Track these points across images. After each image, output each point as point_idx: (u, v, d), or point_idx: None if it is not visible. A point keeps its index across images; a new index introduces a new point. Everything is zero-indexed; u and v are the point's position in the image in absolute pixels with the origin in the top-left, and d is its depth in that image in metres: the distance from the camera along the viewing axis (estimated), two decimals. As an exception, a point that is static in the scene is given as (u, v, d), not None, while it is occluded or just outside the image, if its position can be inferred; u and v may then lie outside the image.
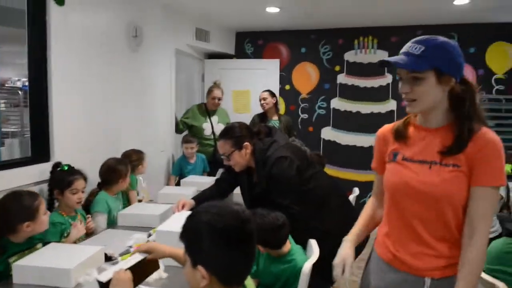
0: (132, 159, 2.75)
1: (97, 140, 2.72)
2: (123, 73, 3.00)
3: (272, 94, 3.97)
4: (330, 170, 4.70)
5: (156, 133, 3.57)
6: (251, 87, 4.70)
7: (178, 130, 3.93)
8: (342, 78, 4.61)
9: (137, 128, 3.21)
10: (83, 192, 2.05)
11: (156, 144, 3.57)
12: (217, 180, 2.35)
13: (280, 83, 4.73)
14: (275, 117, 3.99)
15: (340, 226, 1.60)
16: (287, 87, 4.76)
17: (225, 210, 0.95)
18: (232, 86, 4.75)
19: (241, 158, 1.99)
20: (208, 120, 3.90)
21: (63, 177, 2.00)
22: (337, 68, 4.62)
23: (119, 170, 2.41)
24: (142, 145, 3.09)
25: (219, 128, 3.86)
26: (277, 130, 2.16)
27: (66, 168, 2.06)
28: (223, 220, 0.93)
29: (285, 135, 2.26)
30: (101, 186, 2.41)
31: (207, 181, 3.06)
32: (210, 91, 3.97)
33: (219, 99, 3.93)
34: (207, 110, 3.93)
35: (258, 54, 4.80)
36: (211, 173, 3.82)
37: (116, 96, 2.92)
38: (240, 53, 4.85)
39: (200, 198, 2.22)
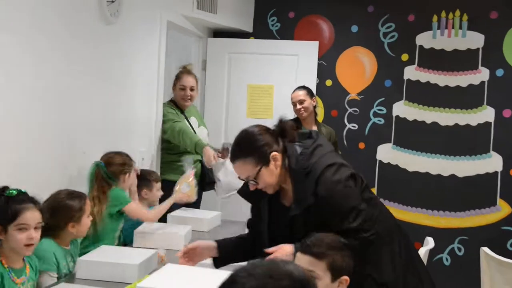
0: (115, 162, 2.72)
1: (48, 151, 2.60)
2: (92, 54, 2.89)
3: (311, 94, 3.83)
4: (389, 209, 4.35)
5: (132, 137, 3.37)
6: (276, 81, 4.46)
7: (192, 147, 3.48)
8: (412, 72, 4.36)
9: (106, 130, 3.03)
10: (36, 229, 1.94)
11: (133, 151, 3.28)
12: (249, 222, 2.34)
13: (318, 76, 4.49)
14: (314, 127, 3.81)
15: (402, 281, 1.88)
16: (329, 82, 4.50)
17: (277, 271, 0.97)
18: (247, 79, 4.52)
19: (272, 176, 1.97)
20: (187, 123, 3.67)
21: (6, 207, 1.92)
22: (405, 57, 4.36)
23: (69, 209, 2.20)
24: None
25: (202, 134, 3.67)
26: (318, 134, 2.10)
27: (14, 193, 1.96)
28: (277, 285, 0.95)
29: (330, 144, 2.16)
30: (45, 231, 2.16)
31: (210, 217, 3.11)
32: (177, 77, 3.67)
33: (192, 89, 3.64)
34: (180, 109, 3.69)
35: (287, 32, 4.58)
36: (197, 201, 3.56)
37: (80, 86, 2.80)
38: (260, 31, 4.64)
39: (227, 244, 2.23)
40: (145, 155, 3.50)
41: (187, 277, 1.71)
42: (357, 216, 1.86)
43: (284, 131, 2.01)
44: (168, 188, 3.57)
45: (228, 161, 3.73)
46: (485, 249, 2.87)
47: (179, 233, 2.67)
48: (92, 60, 2.88)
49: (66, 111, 2.70)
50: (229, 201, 4.37)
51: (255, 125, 2.07)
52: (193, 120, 3.77)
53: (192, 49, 4.63)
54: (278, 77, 4.46)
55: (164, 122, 3.62)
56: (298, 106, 3.72)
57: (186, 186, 2.98)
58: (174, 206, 3.55)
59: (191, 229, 2.87)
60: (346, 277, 1.63)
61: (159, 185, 3.06)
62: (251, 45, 4.57)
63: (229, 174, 3.69)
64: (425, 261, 2.73)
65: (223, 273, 1.76)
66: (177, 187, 2.91)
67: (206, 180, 3.68)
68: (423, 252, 2.70)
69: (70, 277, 2.11)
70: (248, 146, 1.97)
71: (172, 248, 2.59)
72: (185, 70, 3.74)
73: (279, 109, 3.98)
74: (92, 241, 2.56)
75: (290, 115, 3.87)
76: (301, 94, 3.76)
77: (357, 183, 1.94)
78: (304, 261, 1.63)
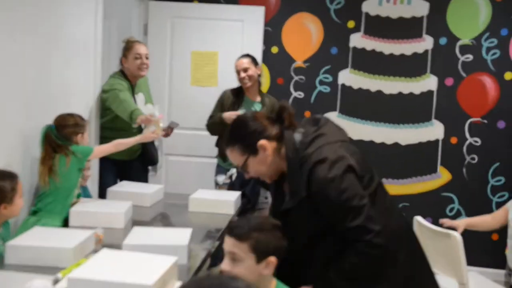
0: (66, 124, 2.69)
1: None
2: (10, 20, 2.55)
3: (256, 62, 3.73)
4: None
5: (67, 109, 3.06)
6: (221, 48, 4.34)
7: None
8: (357, 40, 4.33)
9: (36, 103, 2.78)
10: None
11: None
12: None
13: (264, 43, 4.39)
14: (257, 98, 3.73)
15: None
16: (274, 49, 4.41)
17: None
18: (191, 45, 4.37)
19: (261, 165, 1.86)
20: (133, 98, 3.47)
21: None
22: (351, 24, 4.33)
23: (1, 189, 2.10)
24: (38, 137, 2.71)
25: (147, 111, 3.38)
26: (328, 121, 1.93)
27: None
28: None
29: (342, 131, 1.98)
30: None
31: (152, 191, 3.07)
32: (128, 47, 3.47)
33: (147, 57, 3.49)
34: (129, 81, 3.50)
35: None
36: (143, 177, 3.66)
37: (1, 57, 2.51)
38: None
39: None
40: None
41: (124, 263, 1.62)
42: (358, 213, 1.67)
43: (281, 117, 1.87)
44: (104, 165, 3.44)
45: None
46: (418, 218, 2.94)
47: (119, 211, 2.55)
48: (12, 30, 2.59)
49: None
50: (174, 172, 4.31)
51: (257, 112, 2.04)
52: (140, 97, 3.58)
53: (132, 13, 4.42)
54: (223, 44, 4.34)
55: (106, 91, 3.42)
56: (242, 74, 3.63)
57: (153, 127, 3.10)
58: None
59: (131, 205, 2.76)
60: (273, 258, 1.58)
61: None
62: (194, 9, 4.40)
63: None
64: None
65: (163, 259, 1.69)
66: (145, 129, 3.13)
67: (146, 157, 3.56)
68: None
69: (-1, 262, 1.98)
70: (235, 133, 1.89)
71: (111, 227, 2.50)
72: (134, 40, 3.56)
73: (224, 77, 3.97)
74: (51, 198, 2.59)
75: (235, 83, 3.84)
76: (245, 62, 3.65)
77: (360, 175, 1.75)
78: (228, 243, 1.60)
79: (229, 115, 3.47)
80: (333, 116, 4.40)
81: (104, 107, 3.47)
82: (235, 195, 3.09)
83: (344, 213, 1.68)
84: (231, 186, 3.44)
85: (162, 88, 4.38)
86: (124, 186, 3.15)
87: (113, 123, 3.46)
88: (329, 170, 1.69)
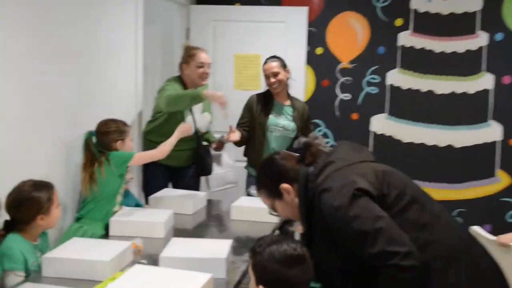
0: (106, 130, 2.66)
1: (24, 139, 2.38)
2: (54, 28, 2.58)
3: (285, 65, 3.47)
4: None
5: (110, 115, 3.08)
6: (263, 50, 4.15)
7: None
8: (406, 38, 4.17)
9: (80, 110, 2.80)
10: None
11: None
12: None
13: (308, 44, 4.28)
14: (287, 102, 3.53)
15: None
16: (319, 50, 4.29)
17: None
18: (233, 48, 4.32)
19: (288, 208, 1.82)
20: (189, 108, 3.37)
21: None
22: (399, 22, 4.16)
23: (36, 201, 2.06)
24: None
25: (204, 121, 3.43)
26: (340, 146, 1.87)
27: None
28: None
29: (358, 151, 1.87)
30: (10, 226, 2.10)
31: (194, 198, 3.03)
32: (191, 55, 3.35)
33: (209, 66, 3.39)
34: (185, 87, 3.39)
35: None
36: (196, 185, 3.55)
37: (43, 65, 2.51)
38: None
39: None
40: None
41: (156, 281, 1.54)
42: (374, 238, 1.52)
43: (304, 156, 1.85)
44: (152, 171, 3.37)
45: (225, 154, 3.54)
46: (474, 228, 2.74)
47: (159, 221, 2.50)
48: (56, 38, 2.61)
49: (37, 93, 2.46)
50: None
51: (281, 151, 1.95)
52: (197, 105, 3.40)
53: (174, 17, 4.40)
54: (265, 46, 4.22)
55: (158, 93, 3.31)
56: (272, 80, 3.38)
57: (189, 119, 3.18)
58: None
59: (172, 214, 2.71)
60: None
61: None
62: (236, 12, 4.34)
63: (224, 167, 3.50)
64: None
65: (197, 276, 1.61)
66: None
67: (200, 167, 3.43)
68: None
69: (36, 275, 1.95)
70: (260, 177, 1.88)
71: (151, 237, 2.45)
72: (196, 47, 3.46)
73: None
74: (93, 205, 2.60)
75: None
76: (275, 65, 3.40)
77: (380, 194, 1.62)
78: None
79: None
80: (382, 118, 4.25)
81: (156, 111, 3.38)
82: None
83: (359, 241, 1.55)
84: None
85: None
86: (167, 193, 3.10)
87: (161, 127, 3.34)
88: (335, 198, 1.60)
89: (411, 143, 4.19)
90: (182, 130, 2.93)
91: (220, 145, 3.49)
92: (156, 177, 3.39)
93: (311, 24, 4.27)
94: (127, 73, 3.33)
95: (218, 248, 2.08)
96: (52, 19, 2.54)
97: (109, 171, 2.60)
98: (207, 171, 3.42)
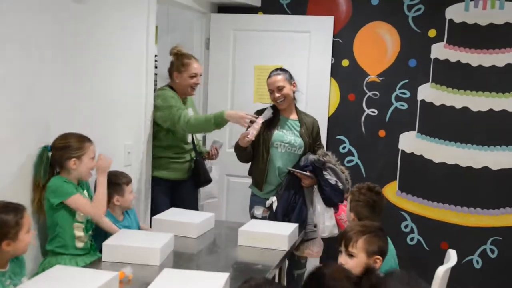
0: (67, 144, 2.36)
1: (19, 147, 2.30)
2: (60, 38, 2.50)
3: (291, 77, 3.30)
4: (412, 205, 4.00)
5: (117, 129, 3.02)
6: (286, 62, 3.95)
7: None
8: (440, 50, 3.93)
9: (84, 122, 2.68)
10: None
11: (117, 145, 3.02)
12: None
13: (334, 55, 4.10)
14: (294, 116, 3.35)
15: None
16: (345, 63, 4.10)
17: None
18: (254, 59, 4.15)
19: None
20: None
21: None
22: (432, 33, 3.93)
23: (2, 224, 1.90)
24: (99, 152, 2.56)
25: None
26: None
27: None
28: None
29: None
30: None
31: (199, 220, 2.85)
32: (185, 64, 3.33)
33: (201, 76, 3.45)
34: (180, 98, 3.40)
35: (298, 7, 4.20)
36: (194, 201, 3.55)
37: (51, 73, 2.45)
38: (269, 5, 4.25)
39: None
40: (132, 148, 3.15)
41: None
42: None
43: (362, 282, 1.67)
44: (157, 186, 3.29)
45: (214, 168, 3.55)
46: None
47: (155, 246, 2.31)
48: (66, 43, 2.53)
49: (37, 101, 2.37)
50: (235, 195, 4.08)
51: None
52: (190, 112, 3.43)
53: (194, 26, 4.28)
54: (288, 57, 4.05)
55: (161, 108, 3.27)
56: (277, 94, 3.20)
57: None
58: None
59: (173, 238, 2.53)
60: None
61: (130, 187, 2.71)
62: (258, 21, 4.18)
63: (213, 181, 3.54)
64: (445, 278, 2.34)
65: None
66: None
67: (201, 178, 3.40)
68: (442, 271, 2.29)
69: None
70: None
71: (147, 264, 2.28)
72: (190, 56, 3.43)
73: (299, 91, 3.60)
74: (50, 238, 2.34)
75: (302, 100, 3.59)
76: (279, 79, 3.22)
77: None
78: None
79: (240, 140, 3.12)
80: (412, 136, 4.01)
81: (155, 123, 3.35)
82: (290, 228, 2.77)
83: None
84: (273, 217, 3.12)
85: (224, 104, 4.15)
86: (171, 214, 2.92)
87: (161, 141, 3.35)
88: None
89: (443, 164, 3.94)
90: (101, 168, 2.47)
91: (215, 151, 3.49)
92: (157, 191, 3.34)
93: (337, 34, 4.09)
94: (135, 87, 3.19)
95: (212, 284, 1.89)
96: (50, 33, 2.43)
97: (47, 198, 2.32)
98: (204, 181, 3.43)
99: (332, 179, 3.17)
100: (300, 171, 3.14)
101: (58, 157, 2.32)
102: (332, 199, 3.18)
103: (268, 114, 3.19)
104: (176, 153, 3.35)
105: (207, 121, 3.12)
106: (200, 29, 4.25)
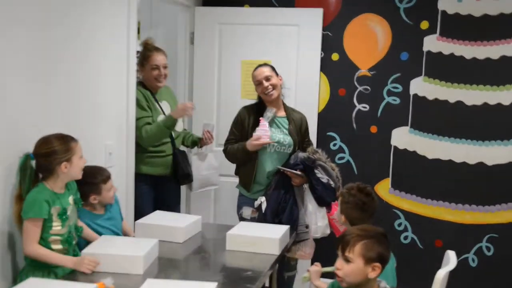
0: (53, 148, 2.18)
1: None
2: (36, 31, 2.35)
3: (276, 72, 3.24)
4: (405, 202, 3.92)
5: (96, 129, 2.89)
6: (274, 56, 3.95)
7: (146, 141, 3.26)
8: (432, 43, 3.84)
9: (62, 121, 2.55)
10: None
11: (97, 145, 2.88)
12: None
13: (323, 49, 3.99)
14: (282, 113, 3.28)
15: None
16: (335, 56, 3.99)
17: None
18: (241, 54, 4.03)
19: None
20: (159, 108, 3.35)
21: None
22: (425, 24, 3.83)
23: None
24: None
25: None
26: None
27: None
28: None
29: None
30: None
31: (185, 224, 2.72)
32: (146, 56, 3.32)
33: (165, 66, 3.36)
34: (150, 91, 3.36)
35: None
36: (175, 198, 3.51)
37: (26, 69, 2.32)
38: None
39: None
40: (113, 149, 3.00)
41: None
42: None
43: None
44: (139, 182, 3.19)
45: (211, 154, 3.45)
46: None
47: (137, 254, 2.18)
48: (38, 41, 2.38)
49: (9, 104, 2.21)
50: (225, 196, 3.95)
51: None
52: (164, 104, 3.39)
53: (178, 20, 4.15)
54: (276, 52, 3.95)
55: (137, 113, 3.22)
56: (266, 83, 3.11)
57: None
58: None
59: (157, 244, 2.40)
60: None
61: (109, 184, 2.57)
62: (245, 14, 4.05)
63: (208, 168, 3.43)
64: (444, 282, 2.24)
65: None
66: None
67: (179, 172, 3.31)
68: (442, 275, 2.19)
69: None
70: None
71: (129, 273, 2.15)
72: (152, 47, 3.38)
73: (285, 87, 3.50)
74: None
75: (291, 96, 3.54)
76: (266, 70, 3.17)
77: None
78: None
79: (255, 143, 3.06)
80: (404, 131, 3.91)
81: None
82: (281, 230, 2.65)
83: None
84: (262, 218, 3.01)
85: (210, 101, 4.06)
86: (155, 218, 2.79)
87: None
88: None
89: (437, 160, 3.85)
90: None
91: (208, 134, 3.40)
92: (139, 187, 3.24)
93: (326, 27, 3.97)
94: (116, 84, 3.05)
95: (198, 295, 1.76)
96: (25, 26, 2.28)
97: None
98: (186, 178, 3.36)
99: (324, 178, 3.09)
100: (290, 170, 3.03)
101: (45, 164, 2.15)
102: (325, 198, 3.09)
103: (270, 114, 3.13)
104: (153, 146, 3.26)
105: (158, 127, 3.17)
106: (184, 23, 4.11)
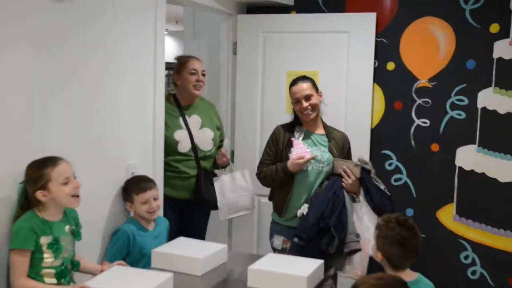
0: (27, 177, 2.08)
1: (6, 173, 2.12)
2: (53, 42, 2.28)
3: (316, 86, 3.04)
4: (472, 232, 3.58)
5: (119, 147, 2.80)
6: (322, 66, 3.81)
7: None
8: (504, 49, 3.53)
9: (80, 140, 2.48)
10: None
11: (119, 165, 2.79)
12: None
13: (377, 58, 3.79)
14: (320, 130, 3.07)
15: None
16: (390, 66, 3.76)
17: None
18: (286, 64, 3.88)
19: None
20: (182, 122, 3.20)
21: None
22: (495, 28, 3.53)
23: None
24: (92, 173, 2.51)
25: (204, 136, 3.23)
26: None
27: None
28: None
29: None
30: None
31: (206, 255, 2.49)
32: (182, 62, 3.26)
33: (204, 73, 3.27)
34: (179, 104, 3.26)
35: (336, 4, 3.93)
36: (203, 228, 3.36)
37: (46, 86, 2.26)
38: (303, 3, 4.00)
39: None
40: (136, 168, 2.86)
41: None
42: None
43: None
44: (165, 205, 3.06)
45: (238, 173, 3.27)
46: None
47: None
48: (58, 47, 2.33)
49: (28, 118, 2.16)
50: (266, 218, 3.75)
51: None
52: (194, 119, 3.24)
53: (220, 29, 4.06)
54: (324, 61, 3.80)
55: None
56: (305, 104, 2.92)
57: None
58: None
59: (172, 278, 2.20)
60: None
61: (142, 197, 2.60)
62: (291, 21, 3.89)
63: (237, 190, 3.25)
64: None
65: None
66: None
67: (196, 197, 3.19)
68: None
69: None
70: None
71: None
72: (188, 55, 3.36)
73: (326, 101, 3.33)
74: None
75: (340, 110, 3.47)
76: (307, 87, 2.95)
77: None
78: None
79: (299, 162, 2.84)
80: (471, 150, 3.60)
81: None
82: (313, 265, 2.36)
83: None
84: (302, 227, 2.82)
85: (253, 115, 3.92)
86: (174, 246, 2.59)
87: None
88: None
89: (510, 184, 3.50)
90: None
91: (221, 155, 3.24)
92: (168, 211, 3.09)
93: (380, 33, 3.77)
94: (141, 100, 2.93)
95: None
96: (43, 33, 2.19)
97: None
98: (207, 204, 3.18)
99: (381, 185, 2.90)
100: (348, 161, 2.91)
101: (29, 192, 2.05)
102: (385, 207, 2.85)
103: (299, 132, 2.97)
104: (170, 166, 3.13)
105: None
106: (227, 33, 4.01)
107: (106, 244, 2.65)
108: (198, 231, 3.20)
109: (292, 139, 2.90)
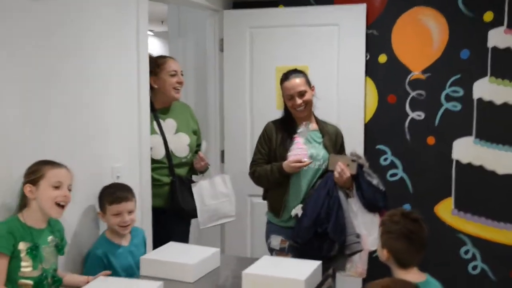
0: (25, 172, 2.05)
1: None
2: (31, 42, 2.20)
3: (309, 81, 3.00)
4: (472, 226, 3.53)
5: (102, 150, 2.72)
6: (311, 61, 3.73)
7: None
8: (499, 37, 3.50)
9: (62, 142, 2.39)
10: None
11: (103, 168, 2.70)
12: None
13: (368, 50, 3.73)
14: (313, 126, 3.04)
15: None
16: (382, 58, 3.71)
17: None
18: (275, 60, 3.80)
19: None
20: (157, 127, 3.05)
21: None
22: (489, 16, 3.49)
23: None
24: (75, 176, 2.28)
25: (179, 142, 3.10)
26: None
27: None
28: None
29: None
30: None
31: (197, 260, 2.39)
32: (160, 64, 3.08)
33: (182, 74, 3.15)
34: (153, 108, 3.04)
35: None
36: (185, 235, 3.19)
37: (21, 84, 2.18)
38: None
39: None
40: (122, 171, 2.76)
41: None
42: None
43: None
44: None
45: (218, 178, 3.13)
46: None
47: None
48: (36, 47, 2.24)
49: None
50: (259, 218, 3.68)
51: None
52: (169, 123, 3.11)
53: (206, 26, 3.98)
54: (314, 56, 3.72)
55: None
56: (298, 101, 2.87)
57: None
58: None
59: (162, 287, 2.10)
60: None
61: (115, 208, 2.40)
62: (278, 15, 3.82)
63: (218, 196, 3.12)
64: None
65: None
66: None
67: (172, 206, 3.05)
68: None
69: None
70: None
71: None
72: (164, 56, 3.23)
73: (316, 97, 3.25)
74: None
75: (332, 105, 3.41)
76: (300, 82, 2.90)
77: None
78: None
79: (296, 166, 2.78)
80: (468, 142, 3.55)
81: None
82: (310, 267, 2.27)
83: None
84: (298, 230, 2.78)
85: (243, 113, 3.84)
86: (165, 252, 2.49)
87: None
88: None
89: (509, 176, 3.46)
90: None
91: (198, 160, 3.08)
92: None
93: (371, 25, 3.70)
94: (125, 100, 2.85)
95: None
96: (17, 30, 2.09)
97: None
98: (186, 214, 3.04)
99: (374, 180, 2.85)
100: (347, 156, 2.86)
101: (22, 187, 2.02)
102: (377, 203, 2.81)
103: (304, 130, 2.89)
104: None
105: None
106: (213, 29, 3.92)
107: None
108: (176, 241, 3.02)
109: (295, 136, 2.85)
